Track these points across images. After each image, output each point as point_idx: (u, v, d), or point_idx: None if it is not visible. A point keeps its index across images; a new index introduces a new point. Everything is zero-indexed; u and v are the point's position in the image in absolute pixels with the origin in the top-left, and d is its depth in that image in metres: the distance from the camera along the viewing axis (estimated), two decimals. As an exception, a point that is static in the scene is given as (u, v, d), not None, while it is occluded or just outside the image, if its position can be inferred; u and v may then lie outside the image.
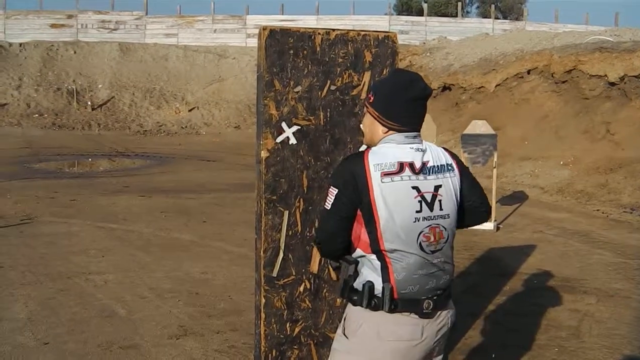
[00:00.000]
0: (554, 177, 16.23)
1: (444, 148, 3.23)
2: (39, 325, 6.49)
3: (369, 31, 4.54)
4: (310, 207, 4.45)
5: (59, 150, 23.99)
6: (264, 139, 4.35)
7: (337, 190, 3.03)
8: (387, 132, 3.12)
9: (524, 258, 9.54)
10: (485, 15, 50.33)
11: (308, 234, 4.46)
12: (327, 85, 4.44)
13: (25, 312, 6.85)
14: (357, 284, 3.08)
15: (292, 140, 4.39)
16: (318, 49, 4.41)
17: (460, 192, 3.17)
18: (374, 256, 3.01)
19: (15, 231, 10.61)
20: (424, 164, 3.04)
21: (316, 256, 4.48)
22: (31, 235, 10.39)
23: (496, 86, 22.72)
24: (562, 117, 18.97)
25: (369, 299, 3.01)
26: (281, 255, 4.42)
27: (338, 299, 4.51)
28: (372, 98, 3.18)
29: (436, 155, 3.12)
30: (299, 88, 4.39)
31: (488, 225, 11.42)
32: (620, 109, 17.32)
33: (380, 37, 4.52)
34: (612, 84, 18.00)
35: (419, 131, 3.15)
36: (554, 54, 20.87)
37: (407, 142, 3.08)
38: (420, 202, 3.00)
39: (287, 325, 4.49)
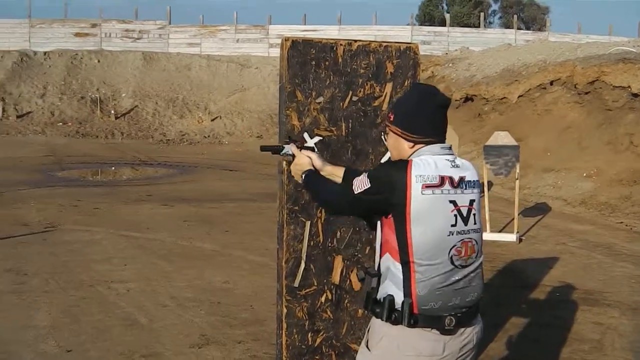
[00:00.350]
0: (577, 189, 16.13)
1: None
2: (62, 332, 6.52)
3: (391, 42, 4.56)
4: (332, 218, 4.45)
5: (82, 159, 24.11)
6: (286, 149, 4.37)
7: (369, 186, 3.02)
8: (413, 146, 3.12)
9: (547, 270, 9.49)
10: (507, 25, 50.28)
11: (330, 244, 4.46)
12: (349, 96, 4.45)
13: (48, 320, 6.89)
14: (379, 297, 3.08)
15: (315, 151, 4.40)
16: (340, 60, 4.43)
17: None
18: (399, 267, 2.99)
19: (39, 239, 10.68)
20: (461, 178, 3.05)
21: (337, 267, 4.49)
22: (54, 243, 10.45)
23: (519, 97, 22.63)
24: (585, 129, 18.86)
25: (389, 313, 3.00)
26: (303, 265, 4.43)
27: (360, 310, 4.52)
28: (392, 116, 3.19)
29: (471, 169, 3.14)
30: (321, 99, 4.41)
31: (510, 237, 11.39)
32: (644, 121, 17.21)
33: (402, 49, 4.53)
34: (636, 95, 17.88)
35: (445, 142, 3.16)
36: (577, 65, 20.77)
37: (443, 154, 3.09)
38: (455, 216, 3.00)
39: (309, 335, 4.50)
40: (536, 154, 18.59)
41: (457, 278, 3.00)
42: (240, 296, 7.89)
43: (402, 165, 3.01)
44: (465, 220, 3.03)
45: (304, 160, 3.67)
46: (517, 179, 12.16)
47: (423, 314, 2.97)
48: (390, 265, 3.03)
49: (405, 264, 2.97)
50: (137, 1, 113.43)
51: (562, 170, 17.39)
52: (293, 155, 3.77)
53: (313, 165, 3.64)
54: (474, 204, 3.08)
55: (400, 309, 2.98)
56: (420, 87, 3.28)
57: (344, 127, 4.47)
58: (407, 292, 2.97)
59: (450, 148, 3.14)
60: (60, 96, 33.86)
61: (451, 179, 3.00)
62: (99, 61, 36.59)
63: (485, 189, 12.15)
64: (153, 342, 6.35)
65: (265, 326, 6.71)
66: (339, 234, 4.46)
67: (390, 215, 3.00)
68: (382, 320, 3.03)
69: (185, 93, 35.36)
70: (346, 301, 4.54)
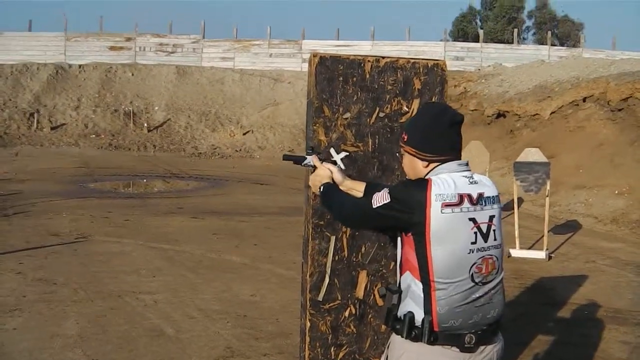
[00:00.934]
0: (609, 207, 16.01)
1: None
2: (89, 342, 6.58)
3: (418, 59, 4.58)
4: (357, 233, 4.47)
5: (114, 171, 24.30)
6: (313, 164, 4.40)
7: (388, 201, 3.04)
8: (427, 165, 3.14)
9: (575, 288, 9.43)
10: (541, 42, 50.02)
11: (354, 259, 4.48)
12: (376, 112, 4.47)
13: (76, 329, 6.95)
14: (400, 314, 3.09)
15: (341, 166, 4.42)
16: (367, 76, 4.45)
17: None
18: (420, 285, 3.00)
19: (70, 249, 10.78)
20: (480, 195, 3.05)
21: (362, 282, 4.50)
22: (84, 253, 10.54)
23: (551, 114, 22.54)
24: (617, 146, 18.73)
25: (409, 330, 3.01)
26: (327, 279, 4.45)
27: (383, 325, 4.52)
28: (405, 137, 3.22)
29: (489, 185, 3.14)
30: (347, 114, 4.43)
31: (540, 254, 11.33)
32: (677, 138, 17.07)
33: (429, 65, 4.54)
34: (669, 112, 17.76)
35: (461, 158, 3.17)
36: (610, 82, 20.67)
37: (460, 171, 3.10)
38: (475, 233, 3.00)
39: (332, 349, 4.51)
40: (568, 171, 18.47)
41: (477, 295, 3.01)
42: (267, 309, 7.92)
43: (423, 184, 3.02)
44: (485, 237, 3.03)
45: (324, 172, 3.71)
46: (547, 195, 12.11)
47: (443, 331, 2.98)
48: (411, 283, 3.04)
49: (426, 282, 2.98)
50: (172, 15, 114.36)
51: (594, 187, 17.27)
52: (314, 167, 3.80)
53: (333, 179, 3.66)
54: (494, 219, 3.08)
55: (420, 326, 2.99)
56: (431, 106, 3.33)
57: (370, 143, 4.49)
58: (428, 309, 2.98)
59: (467, 164, 3.15)
60: (94, 109, 34.21)
61: (470, 196, 3.02)
62: (132, 74, 36.94)
63: (515, 205, 12.11)
64: (179, 353, 6.39)
65: (290, 339, 6.73)
66: (363, 249, 4.48)
67: (410, 234, 3.01)
68: (403, 337, 3.04)
69: (217, 107, 35.57)
70: (370, 316, 4.55)
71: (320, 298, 4.46)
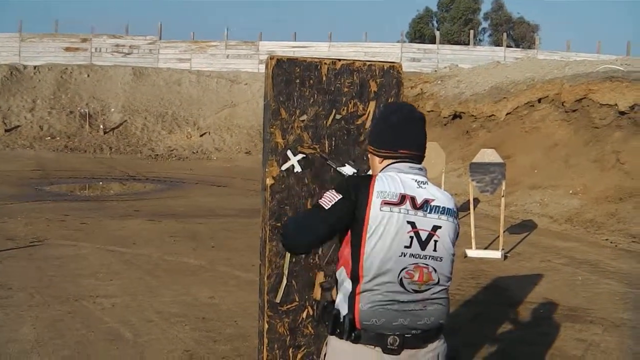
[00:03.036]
0: (563, 206, 16.21)
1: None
2: (46, 347, 6.52)
3: (375, 61, 4.60)
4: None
5: (71, 173, 24.11)
6: (270, 166, 4.40)
7: (340, 197, 2.99)
8: (382, 161, 3.15)
9: (531, 287, 9.53)
10: (497, 43, 50.53)
11: (312, 260, 4.49)
12: (333, 114, 4.49)
13: (32, 334, 6.88)
14: (330, 310, 3.09)
15: (298, 169, 4.43)
16: (324, 78, 4.47)
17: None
18: (349, 282, 2.98)
19: (25, 253, 10.67)
20: (426, 201, 3.00)
21: (319, 283, 4.52)
22: (41, 257, 10.44)
23: (507, 114, 22.77)
24: (572, 146, 18.96)
25: (334, 326, 3.03)
26: (285, 281, 4.46)
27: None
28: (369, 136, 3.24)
29: (440, 196, 3.07)
30: (304, 117, 4.45)
31: (496, 254, 11.44)
32: (630, 138, 17.31)
33: (385, 67, 4.57)
34: (623, 113, 18.01)
35: (420, 162, 3.14)
36: (564, 83, 20.91)
37: (411, 173, 3.07)
38: (411, 237, 2.95)
39: (290, 351, 4.52)
40: (523, 171, 18.68)
41: (405, 300, 2.96)
42: (226, 312, 7.91)
43: (366, 179, 3.03)
44: (423, 245, 2.97)
45: None
46: (502, 196, 12.23)
47: (365, 329, 2.96)
48: (344, 279, 3.03)
49: (355, 278, 2.96)
50: (128, 16, 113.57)
51: (549, 187, 17.47)
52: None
53: None
54: (439, 231, 3.00)
55: (342, 323, 2.99)
56: (391, 105, 3.35)
57: (327, 144, 4.50)
58: (351, 306, 2.97)
59: (421, 169, 3.11)
60: (50, 110, 33.85)
61: (413, 199, 2.98)
62: (88, 76, 36.61)
63: (471, 206, 12.21)
64: (137, 357, 6.36)
65: (249, 342, 6.73)
66: (320, 250, 4.49)
67: (349, 229, 2.99)
68: (328, 333, 3.08)
69: (174, 108, 35.40)
70: (328, 317, 4.56)
71: (278, 300, 4.47)
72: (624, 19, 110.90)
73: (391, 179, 3.01)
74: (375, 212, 2.92)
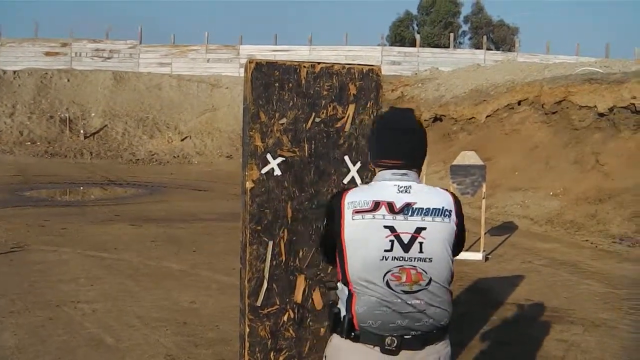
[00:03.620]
0: (544, 208, 16.29)
1: (451, 193, 3.17)
2: (27, 354, 6.49)
3: (354, 64, 4.61)
4: (294, 238, 4.49)
5: (51, 179, 24.00)
6: (249, 170, 4.41)
7: (325, 220, 3.17)
8: (373, 170, 3.25)
9: (512, 288, 9.57)
10: (477, 46, 50.71)
11: (292, 264, 4.50)
12: (312, 117, 4.50)
13: (13, 341, 6.84)
14: (331, 311, 3.17)
15: (277, 172, 4.44)
16: (303, 81, 4.48)
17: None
18: (343, 286, 3.08)
19: (5, 259, 10.61)
20: (408, 205, 3.00)
21: (300, 286, 4.53)
22: (21, 263, 10.39)
23: (487, 117, 22.86)
24: (552, 148, 19.06)
25: (334, 326, 3.10)
26: (265, 284, 4.46)
27: (322, 329, 4.56)
28: None
29: (427, 197, 3.05)
30: (284, 120, 4.45)
31: (477, 256, 11.47)
32: (609, 140, 17.42)
33: (364, 71, 4.59)
34: (602, 114, 18.12)
35: (412, 168, 3.13)
36: (544, 85, 21.02)
37: (393, 179, 3.08)
38: (392, 241, 2.96)
39: (271, 354, 4.52)
40: (504, 173, 18.75)
41: (399, 301, 2.98)
42: (207, 316, 7.90)
43: (339, 194, 3.11)
44: (406, 248, 2.98)
45: None
46: (483, 198, 12.27)
47: (363, 330, 3.01)
48: (340, 284, 3.12)
49: (346, 284, 3.05)
50: (109, 21, 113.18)
51: (529, 189, 17.54)
52: None
53: None
54: (424, 232, 3.00)
55: (342, 322, 3.06)
56: (385, 112, 3.32)
57: (306, 148, 4.51)
58: (349, 308, 3.03)
59: (405, 174, 3.09)
60: (30, 115, 33.69)
61: (390, 204, 3.00)
62: (68, 80, 36.45)
63: (452, 208, 12.21)
64: (119, 363, 6.34)
65: (231, 346, 6.72)
66: (301, 253, 4.50)
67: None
68: (330, 332, 3.17)
69: (155, 113, 35.31)
70: (309, 320, 4.57)
71: (258, 303, 4.47)
72: (603, 21, 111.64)
73: (364, 189, 3.11)
74: (348, 222, 2.99)
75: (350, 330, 3.03)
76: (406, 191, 3.04)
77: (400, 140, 3.12)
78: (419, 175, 3.15)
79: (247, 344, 4.47)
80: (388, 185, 3.06)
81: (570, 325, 7.85)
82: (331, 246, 3.13)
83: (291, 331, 4.54)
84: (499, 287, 9.65)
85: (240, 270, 4.70)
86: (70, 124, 33.42)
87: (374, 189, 3.06)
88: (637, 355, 6.88)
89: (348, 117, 4.56)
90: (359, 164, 4.59)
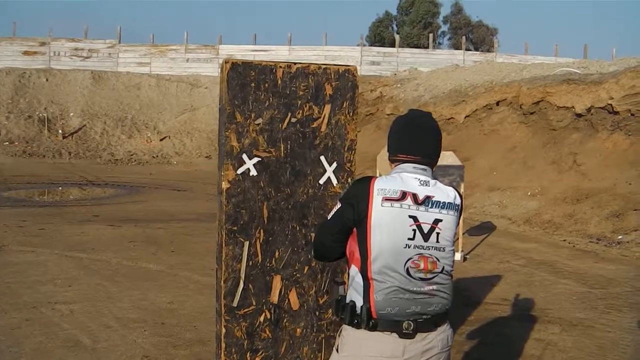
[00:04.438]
0: (522, 208, 16.37)
1: (456, 190, 3.39)
2: (3, 355, 6.45)
3: (330, 65, 4.62)
4: (270, 238, 4.49)
5: (29, 179, 23.87)
6: (225, 170, 4.40)
7: (339, 205, 3.28)
8: (391, 164, 3.37)
9: (490, 288, 9.62)
10: (456, 47, 50.86)
11: (268, 264, 4.50)
12: (288, 117, 4.50)
13: (-11, 342, 6.82)
14: (344, 303, 3.26)
15: (253, 172, 4.44)
16: (279, 81, 4.48)
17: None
18: (361, 275, 3.17)
19: (-18, 260, 10.56)
20: (428, 197, 3.20)
21: (276, 287, 4.52)
22: (-2, 264, 10.34)
23: (466, 117, 22.97)
24: (530, 148, 19.16)
25: (351, 317, 3.20)
26: (241, 285, 4.45)
27: (298, 329, 4.56)
28: None
29: (444, 192, 3.27)
30: (260, 120, 4.45)
31: (455, 256, 11.47)
32: (587, 140, 17.54)
33: (340, 71, 4.59)
34: (579, 115, 18.25)
35: (430, 165, 3.32)
36: (522, 86, 21.13)
37: (414, 173, 3.26)
38: (414, 230, 3.16)
39: (248, 355, 4.51)
40: (482, 174, 18.84)
41: (415, 289, 3.16)
42: (185, 316, 7.89)
43: (367, 179, 3.23)
44: (426, 237, 3.17)
45: None
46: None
47: (381, 318, 3.15)
48: (355, 274, 3.22)
49: (365, 272, 3.15)
50: (87, 20, 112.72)
51: (508, 189, 17.63)
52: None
53: None
54: (440, 224, 3.21)
55: (360, 314, 3.17)
56: (407, 112, 3.48)
57: (282, 148, 4.51)
58: (366, 298, 3.16)
59: (425, 169, 3.29)
60: (7, 115, 33.46)
61: (414, 195, 3.18)
62: (47, 80, 36.23)
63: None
64: (95, 364, 6.32)
65: (208, 346, 6.71)
66: (277, 254, 4.50)
67: (355, 227, 3.19)
68: (346, 324, 3.23)
69: (134, 113, 35.18)
70: (285, 320, 4.57)
71: (235, 304, 4.46)
72: (582, 22, 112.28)
73: (392, 179, 3.25)
74: (377, 208, 3.14)
75: (368, 320, 3.15)
76: (427, 184, 3.24)
77: (425, 138, 3.34)
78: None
79: (223, 345, 4.46)
80: (410, 178, 3.24)
81: (547, 324, 7.90)
82: (344, 233, 3.25)
83: (267, 332, 4.54)
84: (476, 287, 9.69)
85: (216, 271, 4.70)
86: (48, 124, 33.24)
87: (398, 180, 3.22)
88: (614, 355, 6.93)
89: (324, 117, 4.56)
90: (335, 165, 4.60)
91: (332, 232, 3.29)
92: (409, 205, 3.15)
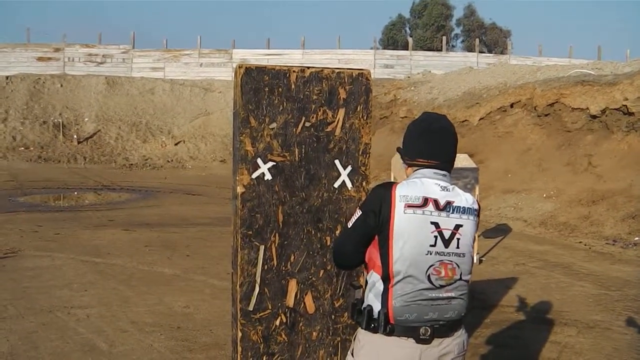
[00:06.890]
0: (537, 210, 16.32)
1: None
2: (20, 359, 6.49)
3: (343, 69, 4.62)
4: (285, 242, 4.50)
5: (44, 184, 23.95)
6: (240, 174, 4.41)
7: (360, 212, 3.22)
8: (407, 169, 3.36)
9: (506, 290, 9.59)
10: (470, 49, 50.77)
11: (284, 268, 4.50)
12: (302, 122, 4.50)
13: (6, 347, 6.83)
14: (361, 307, 3.26)
15: (268, 176, 4.45)
16: (293, 86, 4.48)
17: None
18: (381, 282, 3.15)
19: (-2, 265, 10.61)
20: (448, 203, 3.19)
21: (292, 290, 4.53)
22: (14, 269, 10.37)
23: (480, 120, 22.90)
24: (544, 150, 19.10)
25: (368, 322, 3.19)
26: (257, 289, 4.46)
27: (314, 333, 4.57)
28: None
29: (463, 197, 3.26)
30: (274, 125, 4.46)
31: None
32: (601, 142, 17.47)
33: (354, 75, 4.60)
34: (594, 116, 18.18)
35: (448, 170, 3.31)
36: (536, 88, 21.06)
37: (435, 178, 3.24)
38: (436, 237, 3.14)
39: (264, 358, 4.52)
40: (497, 176, 18.78)
41: (434, 295, 3.15)
42: (201, 320, 7.90)
43: (388, 185, 3.19)
44: (446, 243, 3.16)
45: None
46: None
47: (399, 324, 3.13)
48: (375, 279, 3.20)
49: (386, 278, 3.13)
50: (101, 26, 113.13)
51: (523, 191, 17.58)
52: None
53: None
54: (461, 229, 3.20)
55: (377, 319, 3.16)
56: (422, 116, 3.46)
57: (297, 152, 4.52)
58: (384, 303, 3.14)
59: (445, 175, 3.28)
60: (22, 121, 33.64)
61: (436, 201, 3.16)
62: (61, 85, 36.41)
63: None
64: (112, 368, 6.34)
65: (225, 350, 6.73)
66: (292, 257, 4.51)
67: (376, 234, 3.17)
68: (363, 328, 3.22)
69: (148, 117, 35.29)
70: (301, 324, 4.57)
71: (250, 308, 4.47)
72: (595, 23, 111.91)
73: (413, 184, 3.21)
74: (400, 215, 3.11)
75: (385, 325, 3.14)
76: (447, 190, 3.23)
77: (444, 144, 3.32)
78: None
79: (239, 349, 4.47)
80: (431, 183, 3.22)
81: (563, 327, 7.87)
82: (366, 241, 3.23)
83: (283, 335, 4.55)
84: (492, 290, 9.66)
85: (232, 275, 4.71)
86: (63, 129, 33.39)
87: (420, 186, 3.19)
88: (630, 357, 6.90)
89: (338, 121, 4.56)
90: (349, 168, 4.60)
91: (354, 241, 3.26)
92: (431, 212, 3.13)
